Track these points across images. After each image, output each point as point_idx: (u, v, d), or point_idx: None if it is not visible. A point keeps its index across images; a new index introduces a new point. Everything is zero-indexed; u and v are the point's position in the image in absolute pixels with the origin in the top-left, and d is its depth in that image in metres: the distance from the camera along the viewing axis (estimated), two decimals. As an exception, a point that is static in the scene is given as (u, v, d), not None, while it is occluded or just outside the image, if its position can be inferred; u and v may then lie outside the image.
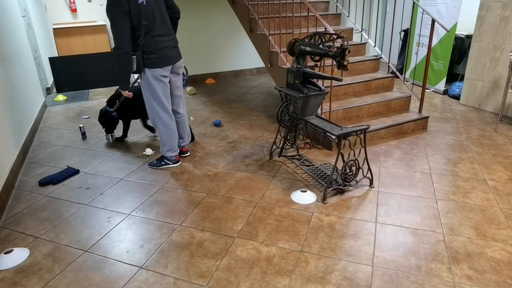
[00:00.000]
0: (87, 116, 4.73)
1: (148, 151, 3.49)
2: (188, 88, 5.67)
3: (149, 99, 3.00)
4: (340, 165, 2.62)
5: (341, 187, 2.69)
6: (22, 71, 4.18)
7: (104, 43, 8.23)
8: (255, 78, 6.65)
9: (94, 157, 3.52)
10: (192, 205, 2.64)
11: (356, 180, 2.74)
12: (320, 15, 3.43)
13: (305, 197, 2.63)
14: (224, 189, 2.83)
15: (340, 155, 2.56)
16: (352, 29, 4.62)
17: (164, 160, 3.21)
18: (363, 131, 2.57)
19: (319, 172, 2.97)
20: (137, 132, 4.09)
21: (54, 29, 7.56)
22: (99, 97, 5.57)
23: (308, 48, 2.62)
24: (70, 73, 5.78)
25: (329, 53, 2.43)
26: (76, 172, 3.19)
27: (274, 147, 3.30)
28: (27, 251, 2.21)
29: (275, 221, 2.41)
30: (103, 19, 8.39)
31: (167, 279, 1.95)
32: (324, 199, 2.60)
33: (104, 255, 2.15)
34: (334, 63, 2.47)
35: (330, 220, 2.40)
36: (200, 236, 2.29)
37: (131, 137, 3.96)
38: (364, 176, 2.79)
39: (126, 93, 3.03)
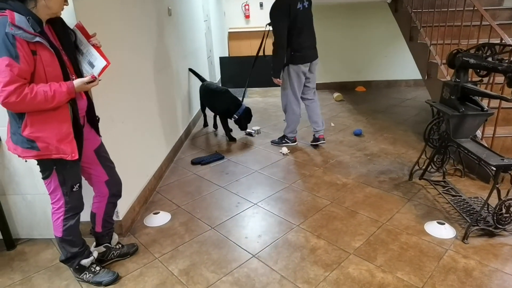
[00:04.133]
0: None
1: (284, 150, 3.64)
2: (335, 94, 5.64)
3: (285, 89, 3.58)
4: (494, 202, 2.19)
5: (491, 228, 2.24)
6: (196, 66, 4.91)
7: (270, 48, 8.91)
8: (410, 90, 6.11)
9: (238, 147, 3.88)
10: (313, 209, 2.63)
11: (514, 225, 2.24)
12: (500, 24, 2.91)
13: (441, 230, 2.29)
14: (349, 202, 2.72)
15: (495, 190, 2.13)
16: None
17: (285, 139, 3.82)
18: (533, 167, 2.08)
19: (465, 205, 2.54)
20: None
21: (229, 32, 8.62)
22: (254, 96, 6.08)
23: (472, 60, 2.25)
24: (234, 72, 6.47)
25: (499, 67, 2.04)
26: (222, 158, 3.58)
27: (416, 167, 2.98)
28: (169, 216, 2.61)
29: (399, 248, 2.18)
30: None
31: (274, 275, 2.00)
32: (465, 238, 2.21)
33: (226, 236, 2.36)
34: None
35: (468, 264, 2.03)
36: (314, 242, 2.27)
37: (271, 135, 4.18)
38: (527, 222, 2.25)
39: (277, 81, 3.55)
